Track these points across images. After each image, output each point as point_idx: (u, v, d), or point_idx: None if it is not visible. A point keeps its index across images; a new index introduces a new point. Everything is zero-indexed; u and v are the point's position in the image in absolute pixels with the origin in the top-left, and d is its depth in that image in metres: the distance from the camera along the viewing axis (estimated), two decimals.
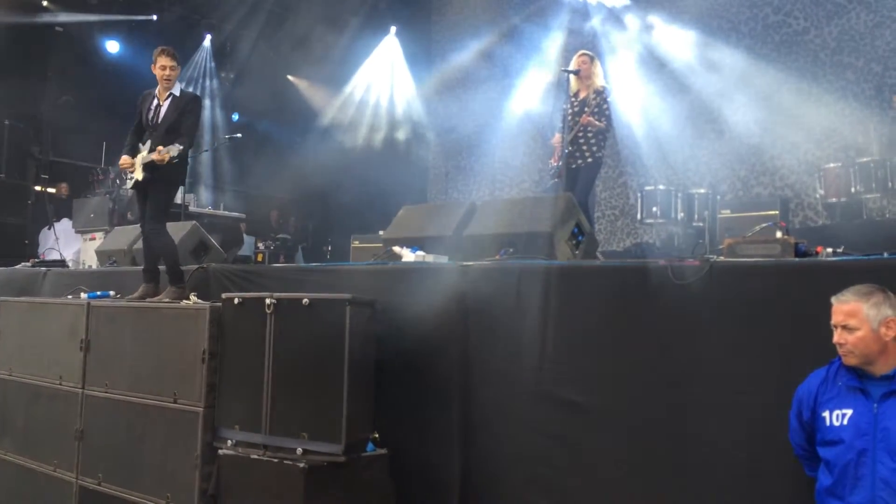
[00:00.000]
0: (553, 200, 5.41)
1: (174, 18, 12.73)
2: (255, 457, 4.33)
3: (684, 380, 3.73)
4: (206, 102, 13.34)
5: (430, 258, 5.23)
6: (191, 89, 12.82)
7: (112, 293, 6.16)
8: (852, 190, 7.87)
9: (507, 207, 5.77)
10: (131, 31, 12.39)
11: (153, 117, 5.60)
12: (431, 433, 4.55)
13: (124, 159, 5.63)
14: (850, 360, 2.88)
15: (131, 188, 5.76)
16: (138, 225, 6.16)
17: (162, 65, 5.56)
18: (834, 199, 8.10)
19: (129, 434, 5.08)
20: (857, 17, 9.51)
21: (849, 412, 2.87)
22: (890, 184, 7.64)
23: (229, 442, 4.47)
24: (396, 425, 4.59)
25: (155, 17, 12.50)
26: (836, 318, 2.91)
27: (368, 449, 4.42)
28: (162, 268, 5.77)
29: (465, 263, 4.72)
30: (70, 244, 10.23)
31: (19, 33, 11.09)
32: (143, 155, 5.51)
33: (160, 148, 5.33)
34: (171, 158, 5.32)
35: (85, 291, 6.26)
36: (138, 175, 5.52)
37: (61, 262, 8.89)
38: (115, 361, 5.31)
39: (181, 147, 5.36)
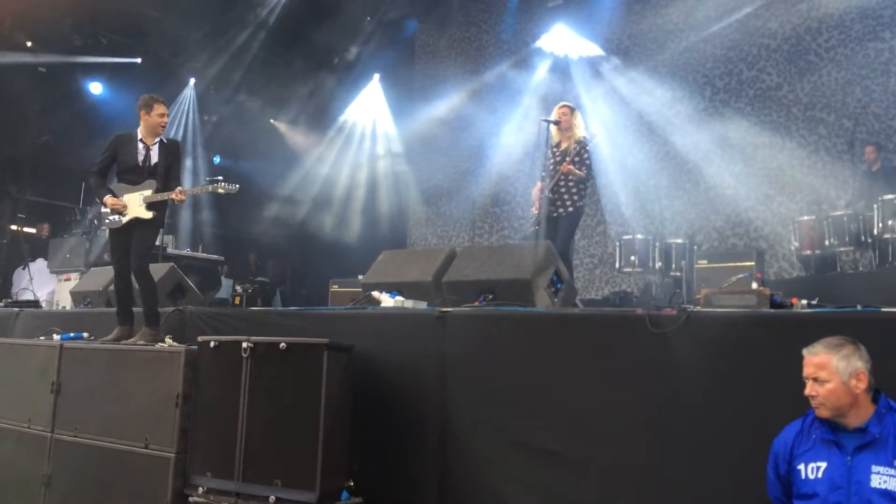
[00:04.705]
0: (533, 248, 5.45)
1: (158, 61, 12.81)
2: None
3: (662, 430, 3.73)
4: (188, 144, 13.42)
5: (409, 304, 5.22)
6: (173, 131, 12.93)
7: (86, 335, 6.08)
8: (826, 243, 7.98)
9: (487, 254, 5.80)
10: (115, 73, 12.44)
11: (144, 160, 5.66)
12: (408, 481, 4.50)
13: (114, 200, 5.62)
14: (823, 413, 2.89)
15: (115, 227, 5.67)
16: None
17: (161, 112, 5.71)
18: (808, 252, 8.21)
19: (98, 480, 4.96)
20: (828, 74, 9.78)
21: (823, 465, 2.87)
22: (863, 237, 7.78)
23: (200, 489, 4.39)
24: (372, 473, 4.53)
25: (139, 60, 12.56)
26: (807, 370, 2.93)
27: (343, 497, 4.34)
28: (137, 309, 5.72)
29: (443, 310, 4.72)
30: (44, 285, 10.12)
31: (1, 73, 11.09)
32: (146, 194, 5.57)
33: (179, 188, 5.55)
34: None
35: (58, 333, 6.18)
36: (140, 213, 5.57)
37: (35, 303, 8.77)
38: (87, 405, 5.21)
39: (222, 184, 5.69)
